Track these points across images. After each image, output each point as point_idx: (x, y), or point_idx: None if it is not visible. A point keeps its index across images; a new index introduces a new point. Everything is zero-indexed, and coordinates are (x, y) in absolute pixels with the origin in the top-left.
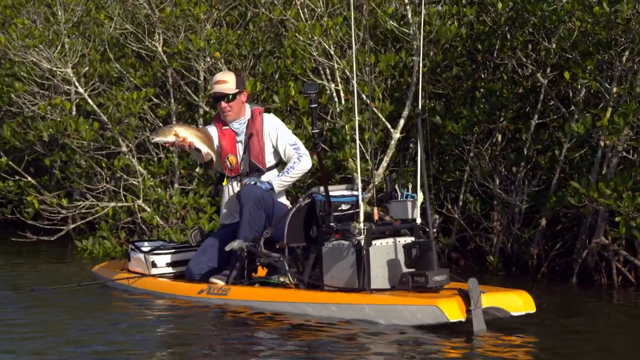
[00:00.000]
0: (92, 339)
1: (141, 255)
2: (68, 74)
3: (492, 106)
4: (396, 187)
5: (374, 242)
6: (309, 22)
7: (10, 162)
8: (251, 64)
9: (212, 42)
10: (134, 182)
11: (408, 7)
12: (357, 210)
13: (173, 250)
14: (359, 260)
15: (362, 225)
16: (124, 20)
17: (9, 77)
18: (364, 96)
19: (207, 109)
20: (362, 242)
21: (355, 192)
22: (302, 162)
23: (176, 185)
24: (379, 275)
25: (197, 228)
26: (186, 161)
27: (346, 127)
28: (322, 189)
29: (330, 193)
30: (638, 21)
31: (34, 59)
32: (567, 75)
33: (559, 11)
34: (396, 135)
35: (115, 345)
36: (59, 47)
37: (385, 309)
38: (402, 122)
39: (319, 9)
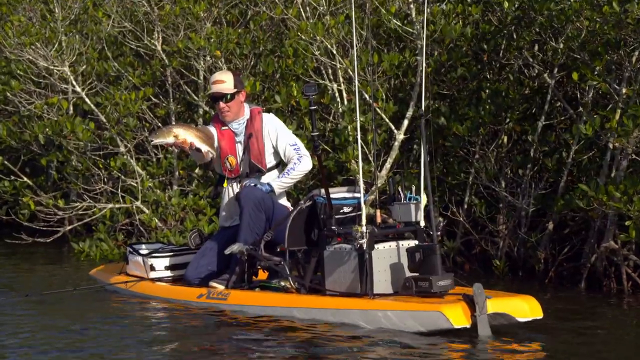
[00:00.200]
0: (89, 345)
1: (139, 258)
2: (65, 72)
3: (497, 107)
4: (399, 189)
5: (376, 246)
6: (310, 20)
7: (6, 162)
8: (252, 63)
9: (212, 40)
10: (132, 183)
11: (412, 6)
12: (359, 213)
13: (172, 253)
14: (361, 264)
15: (364, 228)
16: (123, 18)
17: (5, 76)
18: (366, 96)
19: (207, 108)
20: (365, 246)
21: (357, 195)
22: (302, 163)
23: (175, 187)
24: (381, 280)
25: (197, 230)
26: (185, 162)
27: (349, 128)
28: (323, 191)
29: (332, 195)
30: None
31: (31, 57)
32: (575, 75)
33: (566, 10)
34: (400, 136)
35: (113, 351)
36: (55, 45)
37: (388, 315)
38: (405, 123)
39: (321, 8)
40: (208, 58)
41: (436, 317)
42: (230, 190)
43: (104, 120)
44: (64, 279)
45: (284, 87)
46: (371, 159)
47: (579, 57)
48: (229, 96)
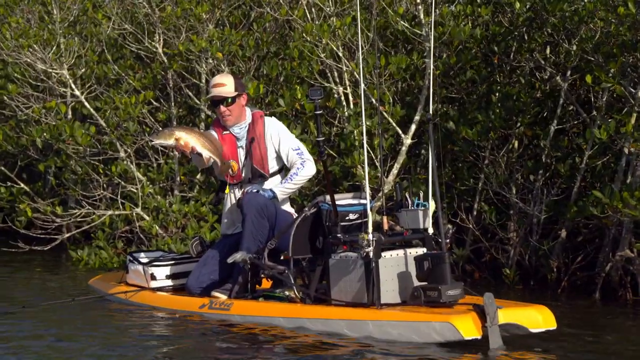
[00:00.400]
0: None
1: (140, 267)
2: (64, 75)
3: (508, 111)
4: (407, 195)
5: (383, 254)
6: (316, 22)
7: (2, 168)
8: (255, 65)
9: (214, 42)
10: (132, 189)
11: (420, 7)
12: (365, 220)
13: (173, 262)
14: (367, 273)
15: (370, 236)
16: (123, 20)
17: (2, 79)
18: (373, 100)
19: (209, 112)
20: (371, 254)
21: (363, 201)
22: (305, 168)
23: (176, 193)
24: (389, 289)
25: (198, 238)
26: (187, 167)
27: (355, 132)
28: (328, 197)
29: (337, 202)
30: None
31: (28, 60)
32: (588, 78)
33: (580, 11)
34: (407, 141)
35: None
36: (54, 48)
37: (395, 326)
38: (413, 127)
39: (328, 9)
40: (210, 61)
41: (446, 328)
42: (232, 196)
43: (104, 124)
44: (62, 289)
45: (288, 91)
46: (378, 164)
47: (592, 59)
48: (229, 100)
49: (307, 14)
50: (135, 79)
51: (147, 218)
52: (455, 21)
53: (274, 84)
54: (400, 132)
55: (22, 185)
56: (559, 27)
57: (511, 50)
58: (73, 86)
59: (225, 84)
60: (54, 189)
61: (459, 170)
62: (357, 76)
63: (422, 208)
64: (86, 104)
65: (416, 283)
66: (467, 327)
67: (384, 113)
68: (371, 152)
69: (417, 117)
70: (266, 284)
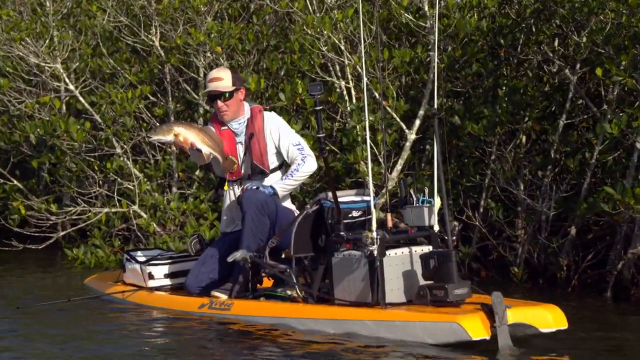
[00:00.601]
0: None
1: (137, 266)
2: (57, 69)
3: (515, 105)
4: (411, 191)
5: (387, 252)
6: (317, 14)
7: None
8: (255, 59)
9: (212, 36)
10: (129, 186)
11: None
12: (369, 217)
13: (171, 260)
14: (371, 272)
15: (374, 233)
16: (118, 12)
17: None
18: (376, 94)
19: (207, 107)
20: (375, 253)
21: (366, 198)
22: (306, 164)
23: (174, 190)
24: (394, 289)
25: (197, 236)
26: (185, 163)
27: (357, 127)
28: (330, 194)
29: (340, 199)
30: None
31: (21, 53)
32: (599, 71)
33: (590, 2)
34: (411, 136)
35: None
36: (47, 41)
37: (401, 326)
38: (417, 122)
39: (329, 1)
40: (208, 54)
41: (453, 328)
42: (232, 193)
43: (99, 120)
44: (57, 289)
45: (289, 85)
46: (381, 160)
47: (603, 51)
48: (227, 94)
49: (308, 6)
50: (131, 73)
51: (144, 216)
52: (460, 13)
53: (274, 78)
54: (404, 127)
55: (16, 182)
56: (568, 18)
57: (518, 43)
58: (67, 80)
59: (222, 78)
60: (48, 186)
61: (465, 166)
62: (359, 70)
63: (428, 205)
64: (81, 98)
65: (422, 282)
66: (475, 328)
67: (388, 108)
68: (374, 147)
69: (421, 112)
70: (267, 283)
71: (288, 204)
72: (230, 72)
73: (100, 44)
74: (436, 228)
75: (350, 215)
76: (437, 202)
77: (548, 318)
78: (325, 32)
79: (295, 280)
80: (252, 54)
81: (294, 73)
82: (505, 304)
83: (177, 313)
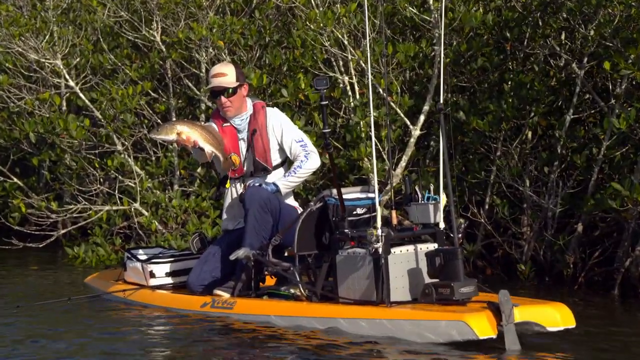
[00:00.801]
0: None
1: (138, 265)
2: (57, 65)
3: (521, 100)
4: (416, 188)
5: (392, 250)
6: (320, 9)
7: None
8: (257, 55)
9: (214, 30)
10: (130, 184)
11: None
12: (373, 214)
13: (173, 259)
14: (376, 270)
15: (379, 231)
16: (119, 7)
17: None
18: (380, 90)
19: (209, 104)
20: (380, 250)
21: (371, 195)
22: (309, 161)
23: (176, 187)
24: (399, 287)
25: (199, 234)
26: (187, 161)
27: (361, 123)
28: (334, 191)
29: (344, 196)
30: None
31: (20, 49)
32: (607, 65)
33: None
34: (416, 132)
35: None
36: (47, 37)
37: (406, 324)
38: (422, 117)
39: None
40: (210, 49)
41: (459, 327)
42: (234, 190)
43: (100, 116)
44: (58, 287)
45: (292, 81)
46: (385, 156)
47: (611, 45)
48: (230, 90)
49: (312, 0)
50: (132, 69)
51: (145, 213)
52: (466, 6)
53: (276, 73)
54: (408, 123)
55: (16, 180)
56: (575, 11)
57: (525, 37)
58: (67, 76)
59: (226, 74)
60: (48, 183)
61: (470, 162)
62: (363, 65)
63: (433, 202)
64: (81, 95)
65: (427, 280)
66: (482, 326)
67: (392, 103)
68: (378, 144)
69: (426, 108)
70: (270, 281)
71: (291, 201)
72: (233, 67)
73: (101, 39)
74: (442, 225)
75: (354, 212)
76: (443, 199)
77: (556, 317)
78: (328, 27)
79: (298, 279)
80: (254, 49)
81: (297, 69)
82: (512, 302)
83: (179, 312)
